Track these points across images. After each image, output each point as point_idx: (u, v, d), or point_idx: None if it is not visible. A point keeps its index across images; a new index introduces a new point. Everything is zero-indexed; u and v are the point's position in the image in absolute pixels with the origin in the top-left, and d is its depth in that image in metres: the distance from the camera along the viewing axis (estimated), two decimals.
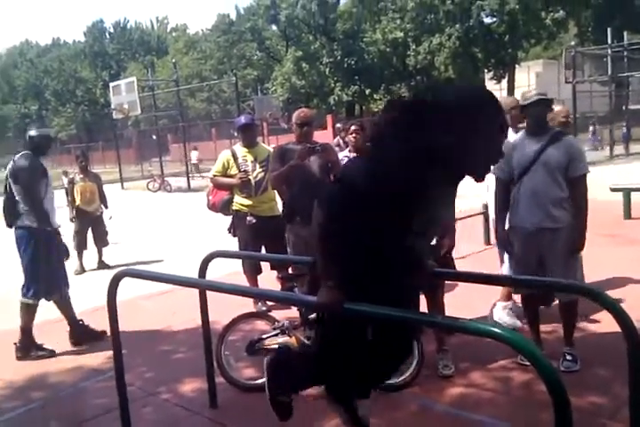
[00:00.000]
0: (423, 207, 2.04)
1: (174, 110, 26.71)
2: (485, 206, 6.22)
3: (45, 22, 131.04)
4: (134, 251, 8.41)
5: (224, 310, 3.75)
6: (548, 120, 3.99)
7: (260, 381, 3.23)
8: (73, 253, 5.05)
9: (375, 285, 2.08)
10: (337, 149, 6.33)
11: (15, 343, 4.26)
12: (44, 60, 63.95)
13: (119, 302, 2.75)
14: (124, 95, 20.37)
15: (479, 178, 2.00)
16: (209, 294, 3.08)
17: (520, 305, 3.81)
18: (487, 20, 37.10)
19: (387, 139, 2.05)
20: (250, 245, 4.83)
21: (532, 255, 3.44)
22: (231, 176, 4.92)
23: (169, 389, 3.54)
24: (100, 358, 4.08)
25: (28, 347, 4.25)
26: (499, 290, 4.47)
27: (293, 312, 3.77)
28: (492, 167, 2.46)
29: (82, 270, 7.25)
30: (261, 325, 3.77)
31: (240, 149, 5.00)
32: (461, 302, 4.14)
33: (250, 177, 4.84)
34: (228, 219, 5.18)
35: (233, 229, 5.11)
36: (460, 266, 3.94)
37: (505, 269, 3.86)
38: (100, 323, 4.21)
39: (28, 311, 4.27)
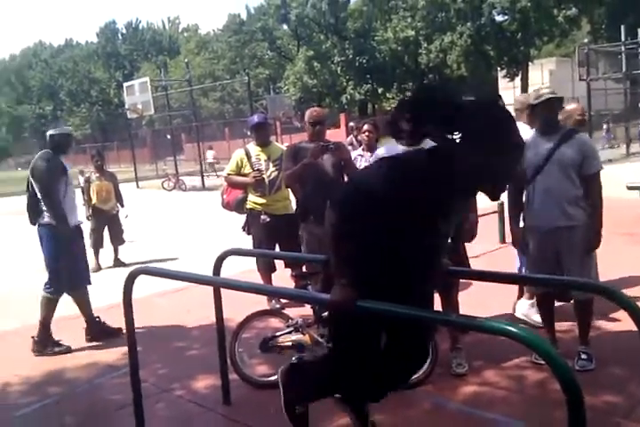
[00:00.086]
0: (448, 211, 2.08)
1: (187, 110, 26.86)
2: (501, 205, 6.19)
3: (58, 23, 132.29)
4: (150, 249, 8.47)
5: (238, 307, 3.77)
6: (564, 118, 3.99)
7: (273, 378, 3.25)
8: (89, 251, 5.11)
9: (389, 284, 2.07)
10: (350, 147, 6.35)
11: (33, 337, 4.31)
12: (57, 61, 64.59)
13: (135, 300, 2.78)
14: (138, 95, 20.50)
15: (494, 197, 2.02)
16: (223, 291, 3.10)
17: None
18: (499, 18, 36.90)
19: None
20: (264, 244, 4.85)
21: (548, 254, 3.42)
22: (245, 175, 4.94)
23: (183, 385, 3.56)
24: (115, 355, 4.12)
25: (45, 342, 4.30)
26: (514, 289, 4.45)
27: (307, 310, 3.78)
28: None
29: (98, 268, 7.32)
30: (275, 322, 3.78)
31: (253, 148, 5.02)
32: (476, 301, 4.12)
33: (263, 176, 4.86)
34: (243, 217, 5.20)
35: (247, 228, 5.13)
36: (475, 265, 3.92)
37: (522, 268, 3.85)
38: (116, 320, 4.25)
39: (49, 306, 4.33)
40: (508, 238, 3.94)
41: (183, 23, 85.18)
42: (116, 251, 7.57)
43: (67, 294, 4.43)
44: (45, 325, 4.33)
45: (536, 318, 3.95)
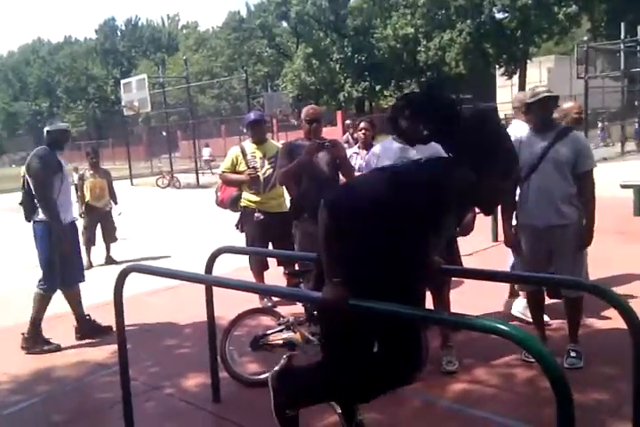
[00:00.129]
0: (439, 227, 2.08)
1: (184, 107, 26.79)
2: None
3: (57, 20, 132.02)
4: (142, 247, 8.45)
5: (230, 305, 3.76)
6: (562, 117, 3.99)
7: (263, 376, 3.24)
8: (81, 248, 5.09)
9: (382, 282, 2.06)
10: (346, 145, 6.34)
11: (23, 333, 4.30)
12: (56, 58, 64.41)
13: (125, 298, 2.76)
14: (135, 92, 20.44)
15: (488, 212, 2.02)
16: (215, 289, 3.09)
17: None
18: (499, 16, 36.87)
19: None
20: (257, 242, 4.84)
21: (540, 252, 3.42)
22: (240, 172, 4.91)
23: (172, 383, 3.55)
24: (104, 353, 4.11)
25: (34, 339, 4.28)
26: (505, 287, 4.45)
27: (299, 308, 3.77)
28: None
29: (89, 266, 7.28)
30: (266, 320, 3.77)
31: (249, 146, 5.00)
32: (467, 299, 4.12)
33: (258, 173, 4.85)
34: (237, 215, 5.19)
35: (240, 225, 5.11)
36: (467, 263, 3.91)
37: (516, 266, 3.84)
38: (106, 318, 4.24)
39: (42, 303, 4.32)
40: (501, 237, 3.93)
41: (183, 20, 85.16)
42: (107, 248, 7.55)
43: (59, 290, 4.41)
44: (36, 322, 4.31)
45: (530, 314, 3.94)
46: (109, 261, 7.50)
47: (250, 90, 24.67)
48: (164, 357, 4.04)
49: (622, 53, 19.74)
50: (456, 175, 1.96)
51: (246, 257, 5.06)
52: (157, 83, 25.27)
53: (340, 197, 2.14)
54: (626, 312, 2.04)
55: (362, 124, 5.48)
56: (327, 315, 2.13)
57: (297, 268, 4.23)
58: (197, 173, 20.43)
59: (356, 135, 6.26)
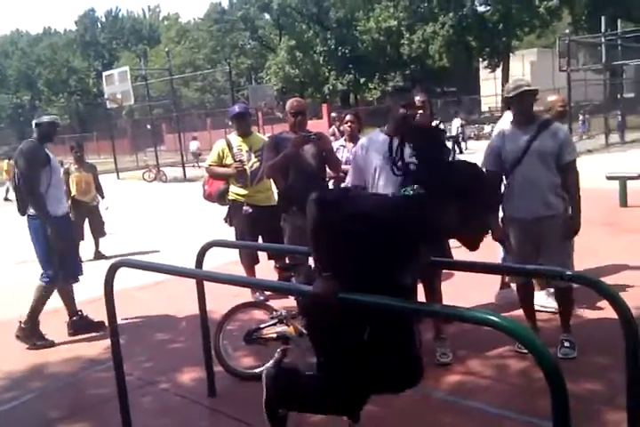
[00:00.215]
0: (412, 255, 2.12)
1: (168, 99, 26.53)
2: None
3: (36, 11, 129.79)
4: (131, 241, 8.39)
5: (221, 299, 3.75)
6: (546, 110, 4.04)
7: (257, 370, 3.25)
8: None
9: (371, 275, 2.06)
10: (332, 138, 6.33)
11: (20, 322, 4.26)
12: (35, 50, 63.38)
13: (116, 293, 2.74)
14: (117, 85, 20.19)
15: (473, 249, 2.02)
16: (206, 283, 3.08)
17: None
18: (481, 9, 36.98)
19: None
20: (247, 235, 4.82)
21: (529, 244, 3.46)
22: (227, 166, 4.89)
23: (167, 378, 3.55)
24: (98, 349, 4.08)
25: (30, 331, 4.25)
26: (496, 279, 4.48)
27: (291, 302, 3.77)
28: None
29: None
30: (259, 314, 3.78)
31: (235, 139, 4.98)
32: (458, 291, 4.15)
33: (245, 167, 4.82)
34: (225, 209, 5.16)
35: (229, 219, 5.09)
36: (457, 255, 3.93)
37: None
38: (98, 313, 4.20)
39: (44, 294, 4.29)
40: None
41: (164, 12, 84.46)
42: (96, 243, 7.48)
43: (63, 284, 4.38)
44: (34, 313, 4.27)
45: (553, 304, 3.98)
46: (98, 256, 7.43)
47: (234, 82, 24.54)
48: (157, 351, 4.03)
49: (603, 47, 19.89)
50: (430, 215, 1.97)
51: (236, 251, 5.04)
52: (140, 75, 25.03)
53: (329, 192, 2.15)
54: (617, 303, 2.06)
55: (347, 117, 5.48)
56: (317, 309, 2.12)
57: (287, 261, 4.23)
58: (184, 167, 20.29)
59: (342, 128, 6.24)
